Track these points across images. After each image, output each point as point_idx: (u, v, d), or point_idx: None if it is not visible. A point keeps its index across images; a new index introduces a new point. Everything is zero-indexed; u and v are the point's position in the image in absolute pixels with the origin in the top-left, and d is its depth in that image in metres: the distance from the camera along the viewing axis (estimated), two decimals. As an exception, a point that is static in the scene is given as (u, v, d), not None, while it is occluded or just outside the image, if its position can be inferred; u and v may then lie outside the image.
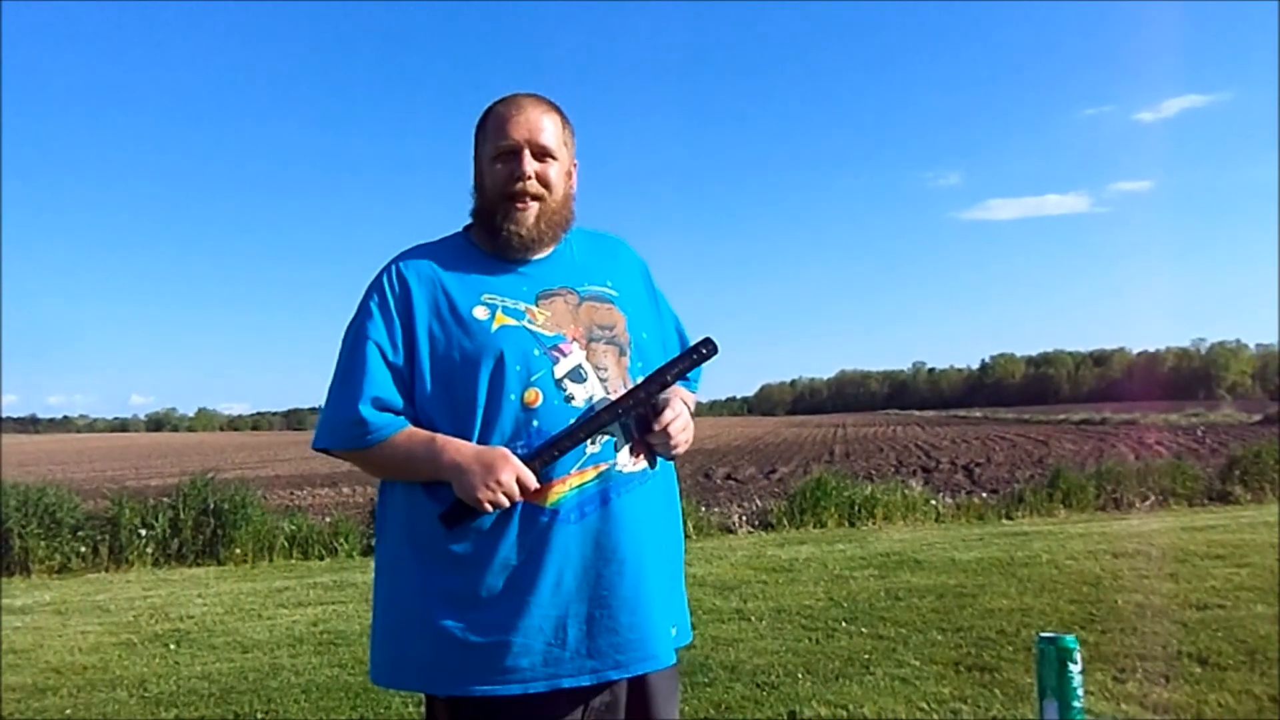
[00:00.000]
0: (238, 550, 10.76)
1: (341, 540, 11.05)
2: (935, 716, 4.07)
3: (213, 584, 9.13)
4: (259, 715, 4.67)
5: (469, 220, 1.99)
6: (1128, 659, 4.79)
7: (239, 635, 6.55)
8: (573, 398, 1.81)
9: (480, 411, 1.79)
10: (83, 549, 10.59)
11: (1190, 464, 14.99)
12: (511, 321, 1.83)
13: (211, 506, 11.01)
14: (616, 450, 1.81)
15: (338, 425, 1.87)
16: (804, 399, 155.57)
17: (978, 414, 68.57)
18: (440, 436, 1.80)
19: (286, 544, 10.94)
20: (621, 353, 1.89)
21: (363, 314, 1.89)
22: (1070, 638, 1.64)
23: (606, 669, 1.77)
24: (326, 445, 1.89)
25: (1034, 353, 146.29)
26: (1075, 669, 1.62)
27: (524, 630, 1.75)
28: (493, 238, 1.91)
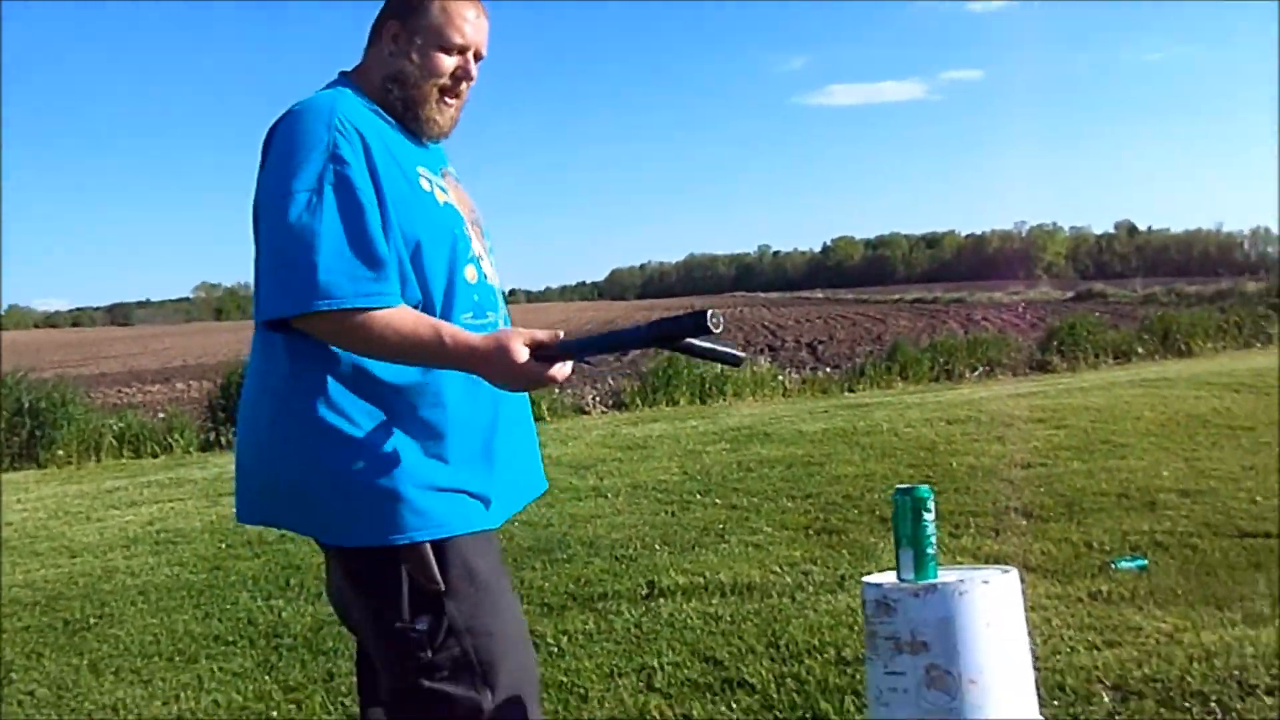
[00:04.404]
0: (60, 452, 10.16)
1: (177, 436, 10.58)
2: (787, 578, 4.21)
3: (33, 488, 8.61)
4: (91, 620, 4.45)
5: (347, 78, 1.85)
6: (961, 516, 5.06)
7: (66, 540, 6.20)
8: (487, 275, 1.84)
9: (443, 288, 1.75)
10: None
11: (1013, 337, 15.89)
12: (445, 198, 1.81)
13: (27, 406, 10.31)
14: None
15: (348, 276, 1.61)
16: (654, 282, 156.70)
17: (820, 295, 70.56)
18: (444, 324, 1.69)
19: (115, 443, 10.40)
20: (483, 233, 1.92)
21: (335, 158, 1.66)
22: (924, 488, 1.66)
23: (522, 500, 1.91)
24: (328, 301, 1.61)
25: (872, 236, 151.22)
26: (929, 517, 1.65)
27: (498, 466, 1.80)
28: (412, 120, 1.82)
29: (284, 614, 4.30)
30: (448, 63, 1.81)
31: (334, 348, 1.68)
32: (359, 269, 1.63)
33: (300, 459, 1.70)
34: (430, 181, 1.79)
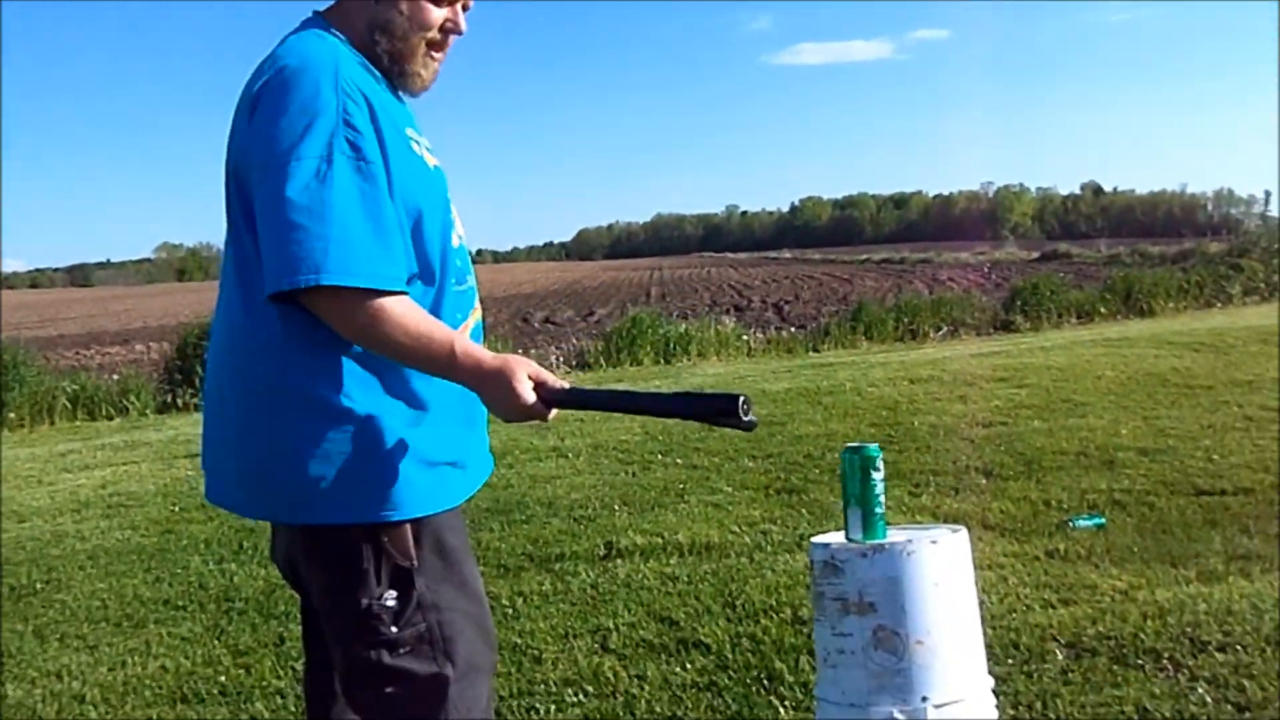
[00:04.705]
0: (12, 414, 9.95)
1: (133, 399, 10.40)
2: (746, 538, 4.19)
3: (-15, 451, 8.44)
4: (38, 586, 4.35)
5: (326, 22, 1.71)
6: (922, 474, 5.06)
7: (15, 504, 6.07)
8: (463, 237, 1.77)
9: (439, 258, 1.67)
10: None
11: (978, 297, 15.98)
12: (433, 160, 1.72)
13: (-22, 368, 10.10)
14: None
15: (364, 255, 1.51)
16: (621, 243, 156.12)
17: (787, 255, 70.67)
18: (457, 334, 1.61)
19: (70, 405, 10.20)
20: None
21: (345, 124, 1.55)
22: (873, 446, 1.62)
23: (489, 468, 1.87)
24: (344, 277, 1.50)
25: (839, 196, 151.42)
26: (878, 476, 1.61)
27: (475, 431, 1.77)
28: (398, 74, 1.71)
29: (236, 578, 4.23)
30: (437, 14, 1.70)
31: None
32: (373, 248, 1.53)
33: (290, 434, 1.60)
34: (419, 144, 1.70)
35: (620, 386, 9.37)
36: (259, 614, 3.78)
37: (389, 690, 1.64)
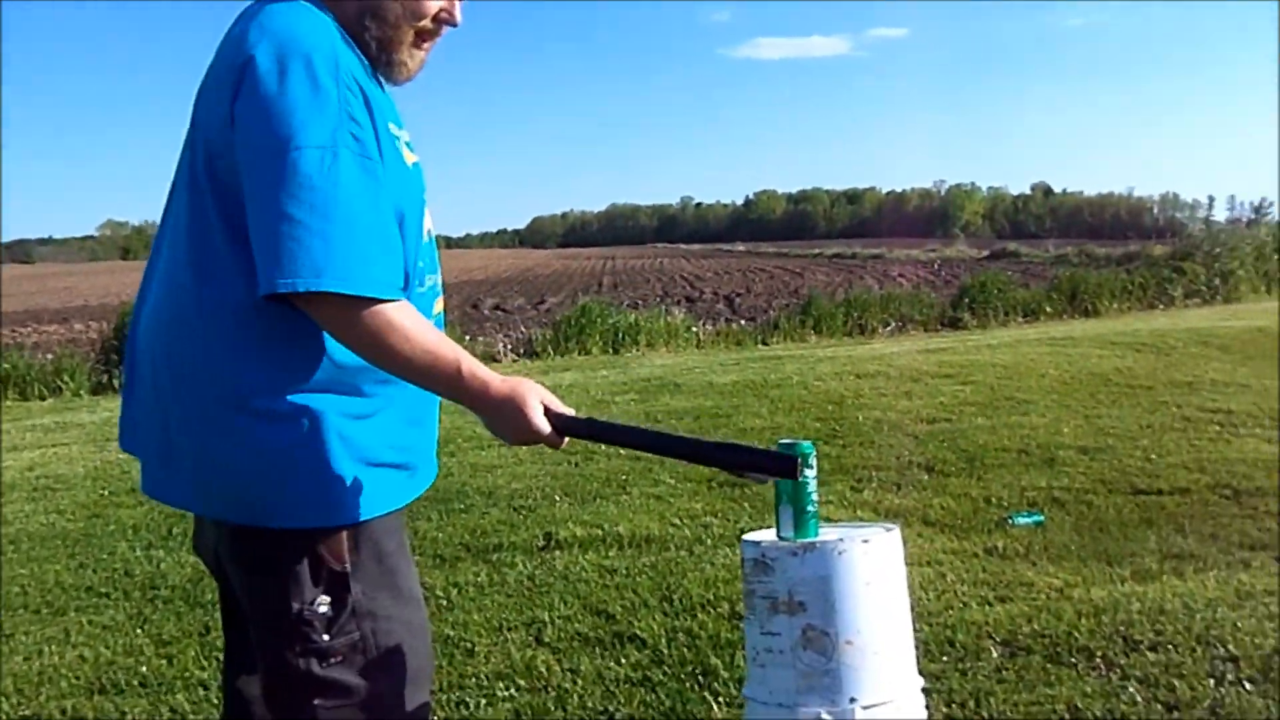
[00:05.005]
0: (-62, 393, 9.66)
1: (67, 379, 10.13)
2: (687, 531, 4.15)
3: (-93, 431, 8.17)
4: (-46, 569, 4.20)
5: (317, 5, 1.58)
6: (865, 470, 5.06)
7: (-64, 484, 5.87)
8: (431, 231, 1.67)
9: (415, 256, 1.58)
10: None
11: (927, 294, 16.12)
12: (411, 157, 1.62)
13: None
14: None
15: (369, 260, 1.41)
16: (575, 231, 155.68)
17: (741, 248, 70.93)
18: (464, 353, 1.51)
19: (0, 384, 9.91)
20: None
21: (348, 117, 1.45)
22: (807, 444, 1.57)
23: (434, 470, 1.78)
24: (349, 285, 1.39)
25: (794, 190, 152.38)
26: (810, 474, 1.56)
27: (424, 431, 1.68)
28: (384, 63, 1.60)
29: (163, 565, 4.11)
30: (432, 4, 1.60)
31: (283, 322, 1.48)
32: (378, 252, 1.43)
33: (225, 430, 1.50)
34: (399, 138, 1.60)
35: (567, 375, 9.30)
36: (185, 602, 3.67)
37: (316, 703, 1.53)
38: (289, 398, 1.49)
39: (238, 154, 1.45)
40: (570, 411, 1.54)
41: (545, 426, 1.50)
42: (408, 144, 1.62)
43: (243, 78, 1.46)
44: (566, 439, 1.55)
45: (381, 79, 1.62)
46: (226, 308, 1.49)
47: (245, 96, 1.45)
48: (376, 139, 1.49)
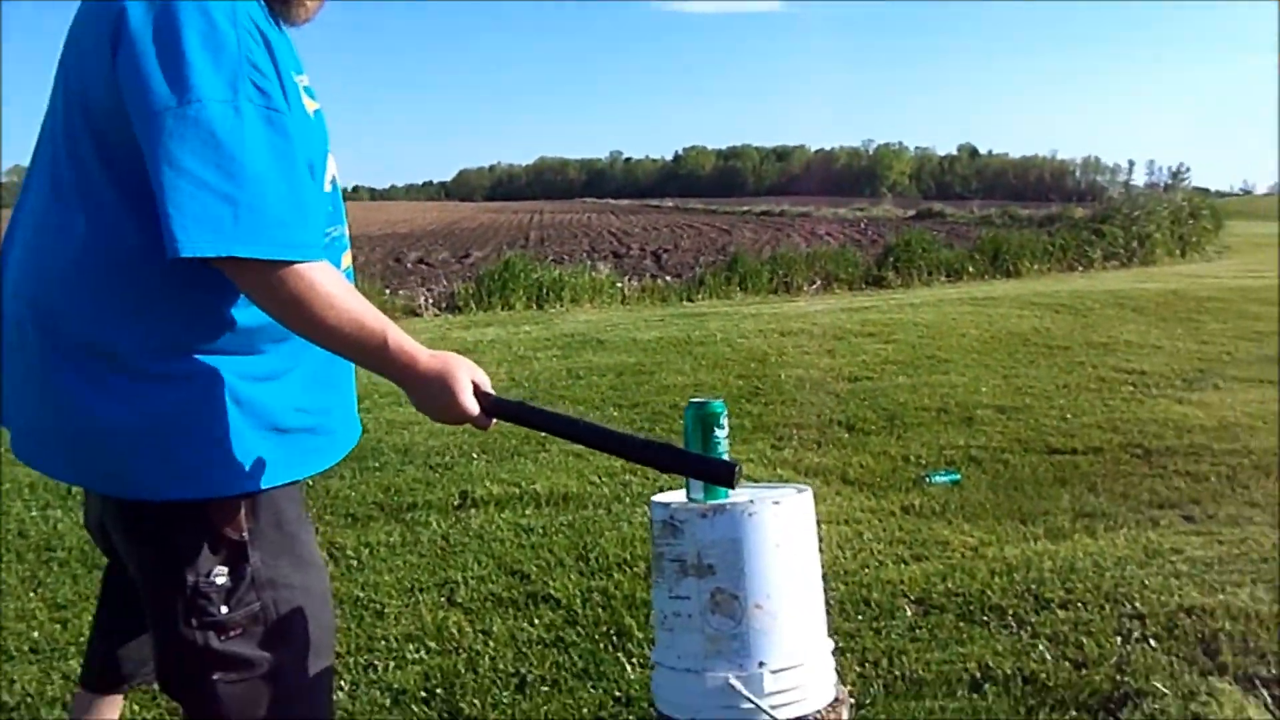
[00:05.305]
0: None
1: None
2: (605, 489, 4.10)
3: None
4: None
5: None
6: (786, 428, 5.06)
7: None
8: (335, 179, 1.56)
9: (326, 210, 1.48)
10: None
11: (853, 252, 16.20)
12: (312, 105, 1.48)
13: None
14: None
15: (287, 222, 1.31)
16: (502, 184, 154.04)
17: (669, 203, 70.62)
18: (390, 323, 1.41)
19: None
20: None
21: (250, 64, 1.32)
22: (717, 402, 1.52)
23: (355, 435, 1.68)
24: (261, 249, 1.28)
25: (723, 146, 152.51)
26: (721, 433, 1.51)
27: (339, 394, 1.59)
28: (281, 3, 1.47)
29: (59, 525, 3.93)
30: None
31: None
32: (291, 212, 1.32)
33: (106, 392, 1.38)
34: (298, 85, 1.47)
35: (490, 331, 9.17)
36: (81, 565, 3.51)
37: (216, 677, 1.45)
38: (177, 357, 1.38)
39: (129, 107, 1.31)
40: (492, 393, 1.47)
41: (474, 407, 1.42)
42: (308, 90, 1.49)
43: (120, 26, 1.31)
44: (494, 421, 1.47)
45: (279, 20, 1.49)
46: (109, 259, 1.37)
47: (127, 45, 1.30)
48: (282, 88, 1.37)
